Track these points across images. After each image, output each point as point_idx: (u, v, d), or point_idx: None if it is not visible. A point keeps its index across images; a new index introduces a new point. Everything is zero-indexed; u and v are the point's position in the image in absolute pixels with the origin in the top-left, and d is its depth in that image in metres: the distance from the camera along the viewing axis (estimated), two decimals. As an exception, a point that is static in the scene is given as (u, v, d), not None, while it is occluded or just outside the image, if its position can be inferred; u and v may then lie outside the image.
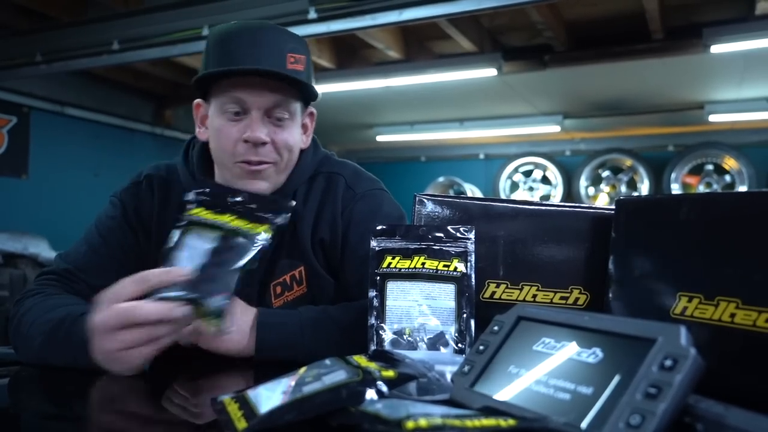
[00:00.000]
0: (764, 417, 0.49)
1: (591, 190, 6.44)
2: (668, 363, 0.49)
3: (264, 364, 0.98)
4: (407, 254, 0.89)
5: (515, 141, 6.78)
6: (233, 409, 0.61)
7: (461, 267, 0.87)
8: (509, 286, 0.92)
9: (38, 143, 5.01)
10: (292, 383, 0.62)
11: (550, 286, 0.92)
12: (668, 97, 5.37)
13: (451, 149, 7.34)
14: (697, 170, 5.97)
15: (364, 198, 1.21)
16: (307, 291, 1.19)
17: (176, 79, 5.42)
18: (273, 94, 1.10)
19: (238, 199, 0.98)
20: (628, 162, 6.25)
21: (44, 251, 4.36)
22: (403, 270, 0.88)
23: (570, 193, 6.47)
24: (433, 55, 4.65)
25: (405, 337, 0.84)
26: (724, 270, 0.69)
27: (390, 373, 0.62)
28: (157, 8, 3.48)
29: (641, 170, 6.16)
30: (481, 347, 0.67)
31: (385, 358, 0.70)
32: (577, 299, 0.92)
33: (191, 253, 0.89)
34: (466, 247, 0.88)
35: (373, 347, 0.84)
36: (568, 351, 0.59)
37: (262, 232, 0.94)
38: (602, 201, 6.29)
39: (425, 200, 0.96)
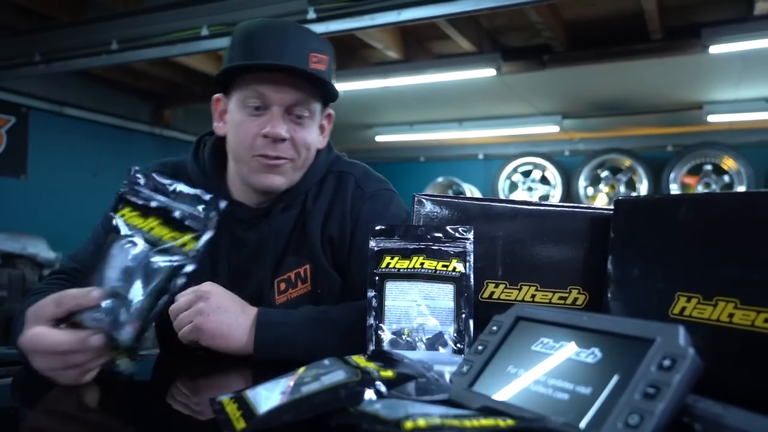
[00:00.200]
0: (763, 417, 0.49)
1: (590, 191, 6.44)
2: (667, 363, 0.49)
3: (263, 365, 0.98)
4: (406, 254, 0.89)
5: (514, 141, 6.79)
6: (232, 410, 0.61)
7: (460, 267, 0.87)
8: (508, 286, 0.92)
9: (37, 143, 5.01)
10: (291, 383, 0.62)
11: (548, 286, 0.92)
12: (667, 97, 5.37)
13: (450, 149, 7.34)
14: (695, 170, 5.97)
15: (372, 198, 1.23)
16: (312, 289, 1.19)
17: (175, 79, 5.42)
18: (294, 92, 1.11)
19: (172, 187, 0.89)
20: (627, 162, 6.25)
21: (43, 251, 4.35)
22: (401, 270, 0.88)
23: (569, 193, 6.47)
24: (432, 56, 4.65)
25: (404, 337, 0.84)
26: (722, 270, 0.69)
27: (389, 373, 0.62)
28: (156, 8, 3.47)
29: (640, 170, 6.16)
30: (480, 347, 0.67)
31: (383, 358, 0.70)
32: (575, 299, 0.92)
33: (114, 266, 0.82)
34: (464, 247, 0.88)
35: (372, 347, 0.84)
36: (566, 351, 0.59)
37: (186, 245, 0.83)
38: (601, 201, 6.30)
39: (424, 200, 0.96)
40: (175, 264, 0.82)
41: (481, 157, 7.27)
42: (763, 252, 0.66)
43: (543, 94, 5.40)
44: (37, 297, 1.05)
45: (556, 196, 6.54)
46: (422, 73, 4.40)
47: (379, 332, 0.85)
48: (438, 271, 0.87)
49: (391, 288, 0.87)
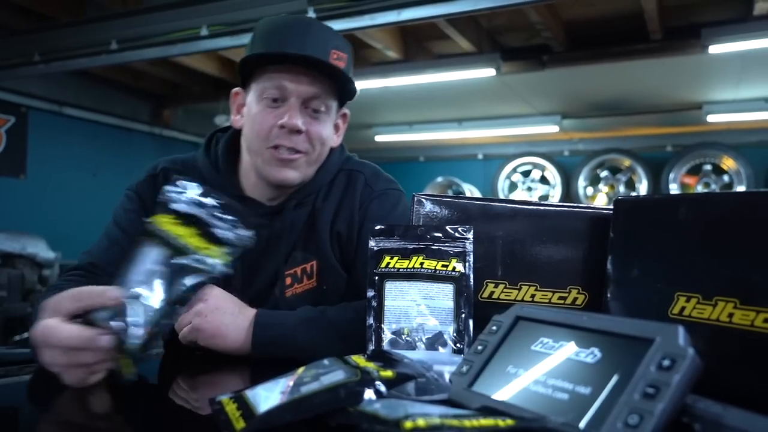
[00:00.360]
0: (762, 417, 0.49)
1: (589, 190, 6.44)
2: (666, 363, 0.49)
3: (262, 365, 0.98)
4: (406, 254, 0.89)
5: (514, 141, 6.79)
6: (231, 409, 0.61)
7: (460, 267, 0.87)
8: (508, 286, 0.92)
9: (36, 143, 5.01)
10: (291, 383, 0.62)
11: (548, 286, 0.92)
12: (666, 97, 5.37)
13: (450, 149, 7.34)
14: (695, 170, 5.97)
15: (380, 196, 1.25)
16: (317, 285, 1.21)
17: (175, 79, 5.42)
18: (313, 85, 1.12)
19: (214, 203, 0.87)
20: (627, 162, 6.25)
21: (42, 251, 4.35)
22: (401, 270, 0.88)
23: (568, 193, 6.48)
24: (432, 55, 4.65)
25: (403, 337, 0.84)
26: (722, 270, 0.69)
27: (388, 373, 0.62)
28: (155, 8, 3.47)
29: (639, 170, 6.16)
30: (480, 347, 0.67)
31: (383, 358, 0.70)
32: (575, 299, 0.92)
33: (139, 269, 0.80)
34: (464, 247, 0.88)
35: (371, 347, 0.84)
36: (566, 351, 0.59)
37: (216, 259, 0.83)
38: (601, 201, 6.30)
39: (424, 200, 0.96)
40: (202, 278, 0.81)
41: (480, 157, 7.27)
42: (762, 252, 0.66)
43: (542, 94, 5.40)
44: (54, 293, 1.04)
45: (555, 195, 6.55)
46: (422, 73, 4.40)
47: (378, 332, 0.85)
48: (438, 271, 0.87)
49: (391, 288, 0.87)
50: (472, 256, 0.88)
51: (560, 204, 0.95)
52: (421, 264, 0.88)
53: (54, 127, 5.16)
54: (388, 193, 1.26)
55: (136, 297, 0.77)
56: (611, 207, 0.86)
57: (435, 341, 0.84)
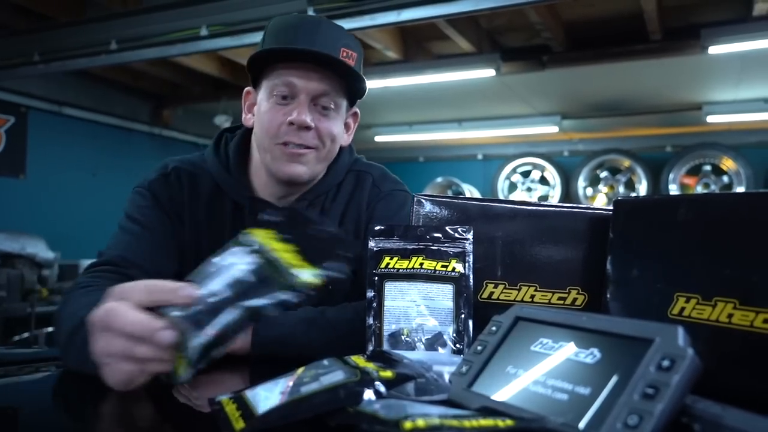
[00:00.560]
0: (761, 417, 0.49)
1: (589, 191, 6.45)
2: (666, 363, 0.49)
3: (262, 365, 0.98)
4: (405, 254, 0.88)
5: (513, 141, 6.79)
6: (231, 410, 0.61)
7: (459, 267, 0.87)
8: (507, 286, 0.92)
9: (36, 143, 5.01)
10: (290, 384, 0.62)
11: (548, 286, 0.92)
12: (666, 97, 5.38)
13: (450, 150, 7.34)
14: (694, 171, 5.98)
15: (387, 197, 1.26)
16: (322, 285, 1.21)
17: (174, 79, 5.42)
18: (322, 82, 1.12)
19: (319, 228, 0.84)
20: (626, 163, 6.26)
21: (42, 251, 4.35)
22: (401, 270, 0.88)
23: (568, 193, 6.48)
24: (432, 56, 4.65)
25: (403, 337, 0.84)
26: (721, 271, 0.69)
27: (388, 374, 0.62)
28: (155, 8, 3.47)
29: (639, 171, 6.17)
30: (479, 347, 0.67)
31: (383, 358, 0.69)
32: (575, 300, 0.92)
33: (224, 274, 0.75)
34: (464, 247, 0.88)
35: (371, 347, 0.84)
36: (565, 351, 0.59)
37: (306, 279, 0.77)
38: (600, 201, 6.30)
39: (423, 201, 0.96)
40: (286, 296, 0.76)
41: (480, 157, 7.28)
42: (762, 252, 0.66)
43: (542, 95, 5.40)
44: (88, 291, 0.99)
45: (555, 196, 6.55)
46: (422, 74, 4.41)
47: (378, 332, 0.85)
48: (437, 272, 0.87)
49: (391, 288, 0.87)
50: (471, 256, 0.88)
51: (560, 204, 0.95)
52: (421, 264, 0.88)
53: (54, 127, 5.16)
54: (395, 194, 1.27)
55: (212, 300, 0.72)
56: (611, 207, 0.86)
57: (434, 342, 0.84)
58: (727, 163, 5.81)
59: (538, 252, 0.92)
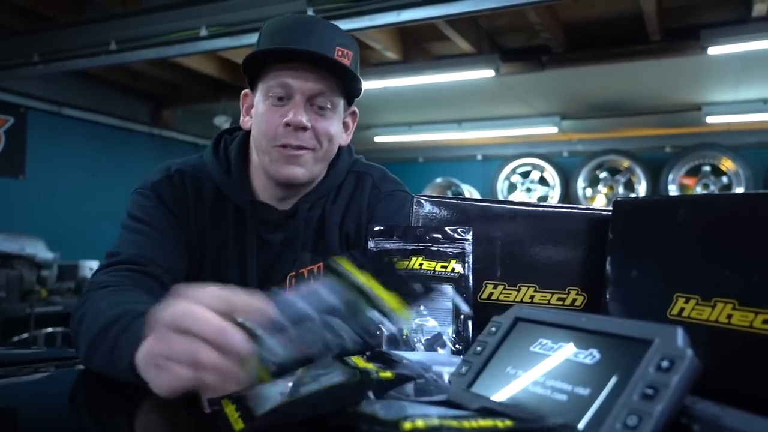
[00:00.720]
0: (761, 418, 0.49)
1: (588, 192, 6.45)
2: (665, 364, 0.49)
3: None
4: (405, 255, 0.89)
5: (513, 142, 6.79)
6: (230, 410, 0.61)
7: (459, 268, 0.87)
8: (507, 287, 0.92)
9: (35, 144, 5.01)
10: (290, 384, 0.62)
11: (547, 287, 0.92)
12: (666, 98, 5.38)
13: (449, 150, 7.34)
14: (694, 171, 5.98)
15: (387, 197, 1.26)
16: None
17: (174, 79, 5.42)
18: (317, 82, 1.12)
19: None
20: (626, 163, 6.26)
21: (41, 252, 4.35)
22: (400, 271, 0.88)
23: (567, 194, 6.48)
24: (431, 56, 4.65)
25: (402, 337, 0.84)
26: (721, 271, 0.69)
27: (388, 374, 0.62)
28: (154, 9, 3.47)
29: (638, 171, 6.17)
30: (479, 348, 0.67)
31: (382, 359, 0.69)
32: (574, 300, 0.92)
33: (304, 292, 0.70)
34: (463, 248, 0.88)
35: (370, 348, 0.84)
36: (565, 352, 0.59)
37: (396, 312, 0.70)
38: (600, 202, 6.31)
39: (423, 201, 0.96)
40: (373, 324, 0.70)
41: (479, 158, 7.28)
42: (761, 253, 0.66)
43: (542, 95, 5.40)
44: (111, 291, 0.95)
45: (554, 197, 6.55)
46: (421, 74, 4.41)
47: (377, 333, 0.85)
48: (437, 272, 0.87)
49: (390, 289, 0.87)
50: (471, 257, 0.88)
51: (559, 205, 0.95)
52: (421, 265, 0.88)
53: (53, 128, 5.16)
54: (395, 195, 1.27)
55: (293, 315, 0.66)
56: (610, 208, 0.87)
57: (434, 342, 0.84)
58: (727, 164, 5.81)
59: (537, 253, 0.92)
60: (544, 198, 6.62)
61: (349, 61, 1.15)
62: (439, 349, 0.84)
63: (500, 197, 6.59)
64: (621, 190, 6.29)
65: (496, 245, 0.93)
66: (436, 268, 0.87)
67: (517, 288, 0.92)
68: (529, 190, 6.77)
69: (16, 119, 4.90)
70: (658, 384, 0.48)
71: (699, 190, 5.91)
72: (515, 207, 0.95)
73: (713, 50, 3.71)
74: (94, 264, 4.61)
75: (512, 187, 6.84)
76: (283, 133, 1.12)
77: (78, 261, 4.76)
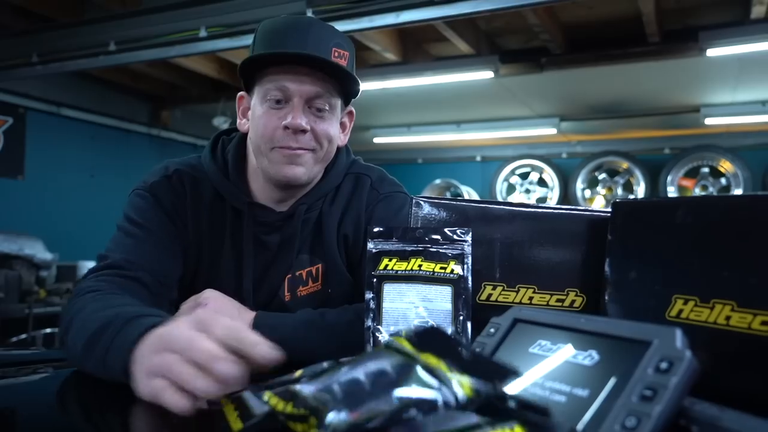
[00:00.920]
0: (759, 419, 0.49)
1: (587, 193, 6.45)
2: (664, 365, 0.49)
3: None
4: (404, 256, 0.89)
5: (512, 143, 6.80)
6: (229, 410, 0.61)
7: (458, 269, 0.87)
8: (506, 288, 0.92)
9: (34, 144, 5.00)
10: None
11: (546, 288, 0.92)
12: (664, 100, 5.39)
13: (448, 151, 7.35)
14: (693, 173, 5.99)
15: (386, 199, 1.25)
16: (322, 288, 1.21)
17: (173, 80, 5.41)
18: (315, 84, 1.11)
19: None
20: (625, 165, 6.26)
21: (40, 252, 4.34)
22: (399, 272, 0.88)
23: (566, 195, 6.49)
24: (431, 58, 4.66)
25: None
26: (719, 273, 0.69)
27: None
28: (154, 9, 3.47)
29: (637, 173, 6.18)
30: (478, 349, 0.67)
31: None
32: (573, 302, 0.92)
33: (368, 365, 0.57)
34: (462, 249, 0.88)
35: (369, 349, 0.84)
36: (564, 353, 0.59)
37: (461, 389, 0.54)
38: (598, 203, 6.31)
39: (422, 202, 0.96)
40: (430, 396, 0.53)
41: (478, 159, 7.28)
42: (760, 255, 0.66)
43: (541, 97, 5.41)
44: (96, 296, 0.96)
45: (553, 198, 6.56)
46: (420, 75, 4.41)
47: (376, 334, 0.85)
48: (436, 273, 0.87)
49: (389, 290, 0.87)
50: (470, 258, 0.88)
51: (558, 206, 0.95)
52: (420, 266, 0.88)
53: (52, 128, 5.16)
54: (393, 196, 1.27)
55: (343, 378, 0.55)
56: (609, 209, 0.87)
57: (433, 343, 0.84)
58: (725, 165, 5.82)
59: (536, 254, 0.92)
60: (543, 199, 6.62)
61: (346, 61, 1.15)
62: (438, 350, 0.84)
63: (499, 198, 6.59)
64: (620, 191, 6.30)
65: (495, 246, 0.93)
66: (435, 270, 0.87)
67: (516, 289, 0.92)
68: (528, 191, 6.77)
69: (15, 119, 4.90)
70: (657, 385, 0.48)
71: (698, 191, 5.91)
72: (514, 208, 0.95)
73: (712, 52, 3.72)
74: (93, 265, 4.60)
75: (511, 189, 6.84)
76: (282, 135, 1.11)
77: (77, 261, 4.75)
